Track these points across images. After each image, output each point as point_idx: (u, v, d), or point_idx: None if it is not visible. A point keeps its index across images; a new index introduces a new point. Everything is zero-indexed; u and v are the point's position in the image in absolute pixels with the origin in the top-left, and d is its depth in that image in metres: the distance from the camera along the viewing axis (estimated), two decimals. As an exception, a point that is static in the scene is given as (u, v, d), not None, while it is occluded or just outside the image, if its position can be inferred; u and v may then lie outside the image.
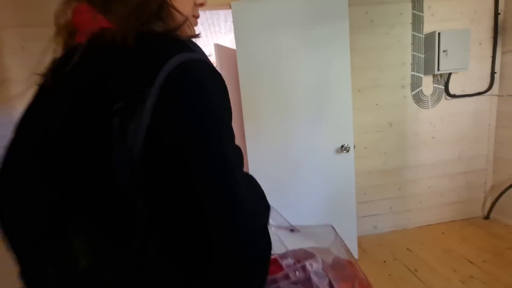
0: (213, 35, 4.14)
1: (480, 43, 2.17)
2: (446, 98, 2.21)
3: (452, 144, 2.29)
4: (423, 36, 2.09)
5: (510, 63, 2.12)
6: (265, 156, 1.88)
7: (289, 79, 1.80)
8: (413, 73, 2.13)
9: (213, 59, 2.29)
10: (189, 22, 0.46)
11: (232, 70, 2.11)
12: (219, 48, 2.32)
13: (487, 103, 2.27)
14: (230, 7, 1.79)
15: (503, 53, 2.17)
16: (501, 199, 2.26)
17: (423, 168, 2.29)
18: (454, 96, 2.19)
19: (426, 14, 2.08)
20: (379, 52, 2.07)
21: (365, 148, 2.18)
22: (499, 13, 2.12)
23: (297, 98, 1.81)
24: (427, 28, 2.09)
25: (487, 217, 2.35)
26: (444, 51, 2.00)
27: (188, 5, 0.45)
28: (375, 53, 2.07)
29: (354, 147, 1.90)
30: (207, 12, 3.05)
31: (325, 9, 1.71)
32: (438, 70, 2.03)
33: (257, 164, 1.88)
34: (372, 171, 2.21)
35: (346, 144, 1.81)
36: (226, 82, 0.39)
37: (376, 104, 2.13)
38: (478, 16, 2.14)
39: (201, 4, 0.48)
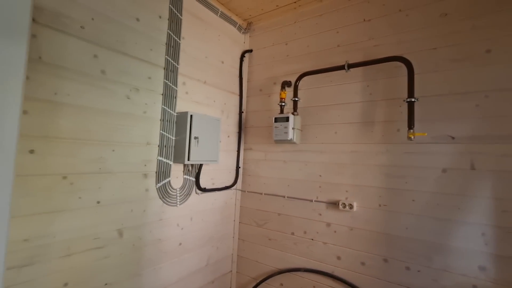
0: None
1: (228, 136, 2.11)
2: (196, 192, 1.83)
3: (200, 249, 1.87)
4: (175, 114, 1.66)
5: (250, 160, 2.18)
6: None
7: None
8: (160, 158, 1.57)
9: None
10: None
11: None
12: None
13: (233, 197, 2.17)
14: None
15: (244, 149, 2.22)
16: (242, 307, 2.05)
17: (166, 291, 1.63)
18: (205, 190, 1.86)
19: (181, 90, 1.71)
20: (112, 120, 1.34)
21: (65, 285, 1.17)
22: (243, 112, 2.22)
23: None
24: (180, 106, 1.70)
25: (231, 331, 2.03)
26: (195, 137, 1.65)
27: None
28: (105, 121, 1.31)
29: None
30: None
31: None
32: (188, 159, 1.61)
33: None
34: (76, 327, 1.21)
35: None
36: None
37: (98, 202, 1.29)
38: (227, 108, 2.10)
39: None
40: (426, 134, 1.43)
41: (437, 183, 1.43)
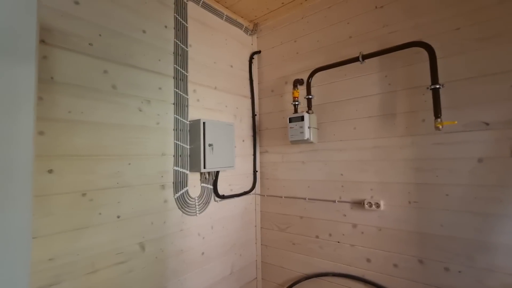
0: None
1: (243, 140, 2.07)
2: (215, 200, 1.80)
3: (223, 257, 1.83)
4: (188, 122, 1.65)
5: (266, 163, 2.13)
6: None
7: None
8: (176, 168, 1.56)
9: None
10: None
11: None
12: None
13: (252, 202, 2.12)
14: None
15: (260, 152, 2.18)
16: (271, 315, 1.99)
17: (191, 302, 1.60)
18: (223, 197, 1.83)
19: (192, 97, 1.69)
20: (126, 134, 1.34)
21: (92, 302, 1.18)
22: (256, 114, 2.17)
23: None
24: (193, 114, 1.69)
25: None
26: (210, 145, 1.62)
27: None
28: (120, 135, 1.31)
29: None
30: None
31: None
32: (204, 167, 1.59)
33: None
34: None
35: None
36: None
37: (118, 217, 1.28)
38: (240, 112, 2.06)
39: None
40: (456, 122, 1.31)
41: (472, 175, 1.30)
